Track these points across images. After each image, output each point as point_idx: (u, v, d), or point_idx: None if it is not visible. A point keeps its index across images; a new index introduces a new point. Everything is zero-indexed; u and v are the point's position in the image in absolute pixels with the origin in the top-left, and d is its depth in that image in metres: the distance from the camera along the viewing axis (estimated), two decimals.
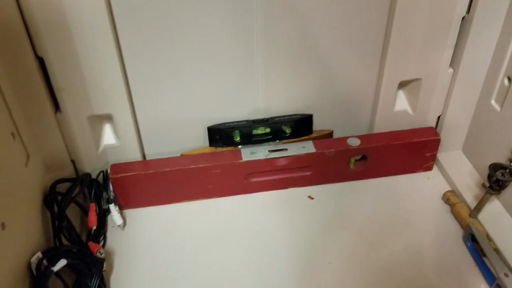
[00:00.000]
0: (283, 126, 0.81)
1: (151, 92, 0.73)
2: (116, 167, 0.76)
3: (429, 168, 0.83)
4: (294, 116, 0.81)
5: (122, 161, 0.77)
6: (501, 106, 0.70)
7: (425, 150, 0.81)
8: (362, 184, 0.82)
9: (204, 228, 0.75)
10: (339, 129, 0.84)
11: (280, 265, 0.69)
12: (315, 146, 0.79)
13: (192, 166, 0.76)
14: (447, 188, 0.79)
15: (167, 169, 0.75)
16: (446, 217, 0.75)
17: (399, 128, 0.82)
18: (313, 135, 0.83)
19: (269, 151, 0.78)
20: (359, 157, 0.82)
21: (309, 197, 0.80)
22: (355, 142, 0.79)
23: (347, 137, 0.80)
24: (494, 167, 0.67)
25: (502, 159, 0.69)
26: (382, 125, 0.83)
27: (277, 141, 0.82)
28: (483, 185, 0.69)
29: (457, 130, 0.80)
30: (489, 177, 0.68)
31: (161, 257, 0.71)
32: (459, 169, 0.80)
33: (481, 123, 0.76)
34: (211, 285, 0.67)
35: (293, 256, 0.70)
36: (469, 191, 0.75)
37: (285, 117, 0.81)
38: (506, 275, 0.61)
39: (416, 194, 0.80)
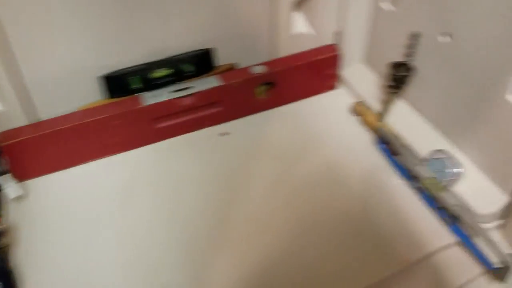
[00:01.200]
0: (184, 64, 0.77)
1: (33, 42, 0.65)
2: (3, 134, 0.68)
3: (334, 85, 0.84)
4: (194, 52, 0.77)
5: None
6: (395, 6, 0.71)
7: (327, 67, 0.81)
8: (274, 113, 0.81)
9: (113, 187, 0.69)
10: (244, 61, 0.81)
11: (203, 207, 0.66)
12: (220, 79, 0.75)
13: (87, 120, 0.69)
14: (354, 100, 0.79)
15: (61, 127, 0.68)
16: (357, 128, 0.76)
17: (302, 51, 0.81)
18: (218, 70, 0.80)
19: (171, 91, 0.74)
20: (267, 87, 0.80)
21: (223, 133, 0.77)
22: (258, 69, 0.77)
23: (249, 66, 0.78)
24: (394, 67, 0.69)
25: (400, 59, 0.70)
26: (285, 50, 0.81)
27: (181, 82, 0.78)
28: (385, 86, 0.70)
29: (356, 42, 0.81)
30: (389, 76, 0.69)
31: (70, 225, 0.64)
32: (363, 80, 0.81)
33: (378, 29, 0.77)
34: (128, 246, 0.61)
35: (216, 195, 0.68)
36: (376, 98, 0.77)
37: (184, 55, 0.77)
38: (417, 164, 0.63)
39: (327, 112, 0.80)
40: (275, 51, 0.82)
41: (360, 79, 0.81)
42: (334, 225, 0.62)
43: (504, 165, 0.56)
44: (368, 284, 0.56)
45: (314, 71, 0.80)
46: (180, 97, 0.74)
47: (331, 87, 0.84)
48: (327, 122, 0.78)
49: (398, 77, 0.68)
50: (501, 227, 0.59)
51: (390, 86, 0.70)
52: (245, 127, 0.79)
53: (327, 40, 0.82)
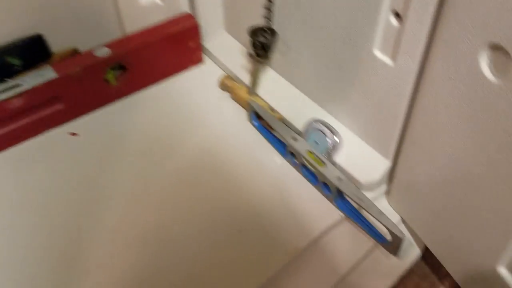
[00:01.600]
0: (7, 57, 0.62)
1: None
2: None
3: (198, 60, 0.74)
4: (20, 41, 0.62)
5: None
6: None
7: (187, 40, 0.71)
8: (133, 100, 0.70)
9: None
10: (88, 43, 0.68)
11: (57, 223, 0.54)
12: (56, 69, 0.62)
13: None
14: (221, 74, 0.71)
15: None
16: (229, 104, 0.68)
17: (154, 24, 0.70)
18: (55, 59, 0.66)
19: None
20: (119, 71, 0.68)
21: (72, 134, 0.65)
22: (103, 52, 0.64)
23: (93, 49, 0.65)
24: (254, 32, 0.61)
25: (260, 23, 0.63)
26: (134, 26, 0.69)
27: (8, 80, 0.63)
28: (250, 56, 0.62)
29: (212, 8, 0.72)
30: (253, 44, 0.61)
31: None
32: (228, 51, 0.72)
33: None
34: None
35: (72, 207, 0.56)
36: (244, 70, 0.69)
37: (7, 46, 0.62)
38: (294, 138, 0.57)
39: (194, 91, 0.70)
40: (122, 28, 0.70)
41: (225, 49, 0.73)
42: (215, 221, 0.54)
43: (380, 127, 0.52)
44: (258, 285, 0.49)
45: (171, 46, 0.69)
46: (6, 99, 0.59)
47: (196, 61, 0.74)
48: (196, 102, 0.69)
49: (260, 44, 0.60)
50: (386, 193, 0.55)
51: (254, 55, 0.62)
52: (99, 122, 0.66)
53: (181, 9, 0.71)
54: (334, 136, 0.56)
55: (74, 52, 0.68)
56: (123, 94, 0.69)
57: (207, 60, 0.75)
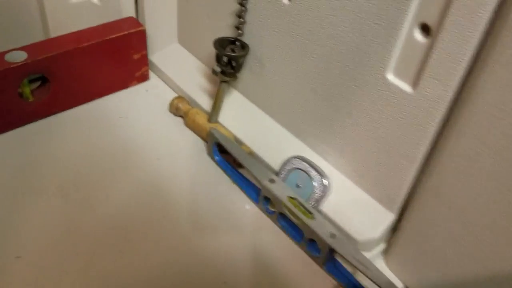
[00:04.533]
0: None
1: None
2: None
3: (144, 77, 0.60)
4: None
5: None
6: None
7: (130, 50, 0.56)
8: (55, 121, 0.54)
9: None
10: None
11: None
12: None
13: None
14: (172, 96, 0.57)
15: None
16: (182, 132, 0.54)
17: (89, 27, 0.55)
18: None
19: None
20: (37, 84, 0.52)
21: None
22: (18, 57, 0.49)
23: (5, 52, 0.49)
24: (220, 43, 0.48)
25: (228, 33, 0.50)
26: (61, 29, 0.54)
27: None
28: (214, 73, 0.50)
29: (164, 13, 0.58)
30: (219, 59, 0.49)
31: None
32: (182, 66, 0.59)
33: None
34: None
35: None
36: (203, 91, 0.56)
37: None
38: (270, 180, 0.44)
39: (137, 114, 0.56)
40: (46, 30, 0.55)
41: (178, 65, 0.59)
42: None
43: (386, 172, 0.41)
44: None
45: (109, 56, 0.55)
46: None
47: (141, 78, 0.60)
48: (139, 128, 0.54)
49: (227, 59, 0.48)
50: (384, 253, 0.44)
51: (219, 72, 0.49)
52: (7, 148, 0.50)
53: (123, 12, 0.57)
54: (323, 179, 0.44)
55: None
56: (43, 113, 0.53)
57: (154, 76, 0.61)
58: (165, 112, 0.56)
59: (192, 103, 0.56)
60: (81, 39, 0.53)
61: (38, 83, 0.53)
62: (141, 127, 0.54)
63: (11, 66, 0.48)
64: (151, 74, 0.61)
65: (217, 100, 0.51)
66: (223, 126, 0.52)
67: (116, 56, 0.56)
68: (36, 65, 0.49)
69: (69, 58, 0.52)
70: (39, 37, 0.56)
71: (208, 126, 0.51)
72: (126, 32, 0.54)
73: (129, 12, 0.58)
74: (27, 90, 0.51)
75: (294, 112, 0.48)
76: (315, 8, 0.41)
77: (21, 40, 0.52)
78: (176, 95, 0.58)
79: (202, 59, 0.58)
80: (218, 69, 0.49)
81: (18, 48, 0.50)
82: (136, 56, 0.57)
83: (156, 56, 0.60)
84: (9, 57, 0.48)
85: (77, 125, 0.54)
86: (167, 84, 0.59)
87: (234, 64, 0.49)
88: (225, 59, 0.48)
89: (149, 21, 0.57)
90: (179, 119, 0.56)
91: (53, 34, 0.55)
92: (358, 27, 0.38)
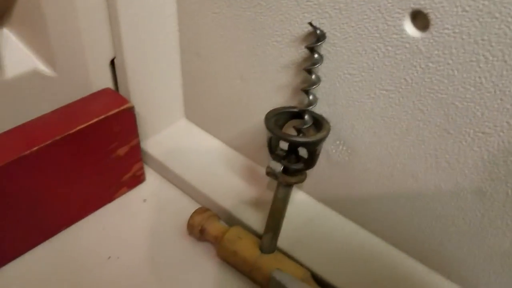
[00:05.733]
0: None
1: None
2: None
3: (138, 180, 0.38)
4: None
5: None
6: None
7: (112, 141, 0.35)
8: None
9: None
10: None
11: None
12: None
13: None
14: (188, 208, 0.35)
15: None
16: (210, 269, 0.32)
17: (36, 113, 0.34)
18: None
19: None
20: None
21: None
22: None
23: None
24: (277, 119, 0.27)
25: (283, 101, 0.30)
26: None
27: None
28: (270, 174, 0.28)
29: (160, 79, 0.38)
30: (274, 147, 0.28)
31: None
32: (196, 155, 0.38)
33: (209, 38, 0.35)
34: None
35: None
36: (236, 195, 0.34)
37: None
38: None
39: (132, 248, 0.34)
40: None
41: (189, 152, 0.38)
42: None
43: None
44: None
45: (79, 157, 0.33)
46: None
47: (131, 183, 0.38)
48: (137, 272, 0.32)
49: (289, 149, 0.27)
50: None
51: (280, 173, 0.28)
52: None
53: (95, 84, 0.36)
54: None
55: None
56: None
57: (152, 176, 0.39)
58: (179, 235, 0.34)
59: (224, 217, 0.34)
60: (33, 137, 0.31)
61: None
62: (144, 270, 0.32)
63: None
64: (148, 173, 0.39)
65: (275, 215, 0.30)
66: (288, 258, 0.30)
67: (91, 155, 0.34)
68: None
69: (18, 169, 0.30)
70: None
71: (264, 261, 0.30)
72: (104, 115, 0.33)
73: (104, 82, 0.37)
74: None
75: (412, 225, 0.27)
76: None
77: None
78: (193, 204, 0.36)
79: (229, 140, 0.37)
80: (277, 168, 0.27)
81: None
82: (122, 150, 0.36)
83: (152, 143, 0.39)
84: None
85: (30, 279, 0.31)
86: (176, 186, 0.38)
87: (302, 154, 0.28)
88: (285, 147, 0.27)
89: (137, 92, 0.36)
90: (205, 246, 0.34)
91: None
92: None
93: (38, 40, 0.33)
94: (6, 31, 0.34)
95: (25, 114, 0.33)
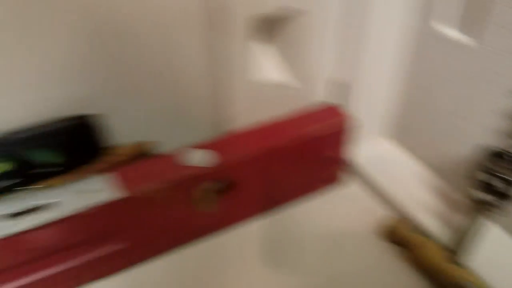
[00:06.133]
0: (36, 150, 0.36)
1: None
2: None
3: (339, 182, 0.46)
4: (60, 123, 0.36)
5: None
6: (474, 37, 0.36)
7: (330, 147, 0.43)
8: (231, 237, 0.42)
9: None
10: (164, 137, 0.42)
11: None
12: (120, 181, 0.35)
13: None
14: (382, 213, 0.42)
15: None
16: (403, 270, 0.39)
17: (271, 115, 0.43)
18: (114, 157, 0.39)
19: (12, 214, 0.33)
20: (216, 191, 0.41)
21: None
22: (199, 158, 0.38)
23: (183, 150, 0.38)
24: (495, 157, 0.33)
25: (488, 143, 0.35)
26: (240, 116, 0.43)
27: (32, 191, 0.37)
28: (475, 201, 0.34)
29: (379, 101, 0.45)
30: (484, 182, 0.33)
31: None
32: (401, 174, 0.44)
33: (431, 77, 0.41)
34: None
35: None
36: (435, 216, 0.40)
37: (37, 129, 0.36)
38: None
39: (331, 236, 0.42)
40: (224, 115, 0.44)
41: (393, 170, 0.45)
42: None
43: None
44: None
45: (304, 156, 0.42)
46: (26, 232, 0.32)
47: (332, 182, 0.46)
48: (340, 256, 0.40)
49: (500, 183, 0.32)
50: None
51: (483, 203, 0.33)
52: (175, 270, 0.38)
53: (319, 96, 0.45)
54: None
55: (139, 151, 0.41)
56: (218, 226, 0.42)
57: (354, 182, 0.47)
58: (371, 233, 0.41)
59: (418, 229, 0.40)
60: (274, 135, 0.40)
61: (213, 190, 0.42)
62: (341, 258, 0.39)
63: (191, 171, 0.37)
64: (351, 179, 0.47)
65: (469, 236, 0.35)
66: (476, 275, 0.35)
67: (311, 156, 0.43)
68: (221, 171, 0.38)
69: (259, 162, 0.40)
70: (208, 126, 0.44)
71: (450, 270, 0.35)
72: (330, 127, 0.41)
73: (328, 97, 0.45)
74: (204, 198, 0.40)
75: None
76: None
77: (196, 127, 0.42)
78: (392, 213, 0.42)
79: (430, 162, 0.43)
80: (484, 197, 0.33)
81: (197, 146, 0.39)
82: (335, 155, 0.44)
83: (360, 154, 0.46)
84: (191, 159, 0.37)
85: (253, 241, 0.41)
86: (378, 194, 0.44)
87: (505, 190, 0.33)
88: (495, 183, 0.33)
89: (356, 108, 0.44)
90: (394, 249, 0.40)
91: (231, 124, 0.43)
92: None
93: (293, 57, 0.42)
94: (270, 46, 0.43)
95: (267, 115, 0.42)
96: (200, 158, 0.37)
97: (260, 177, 0.41)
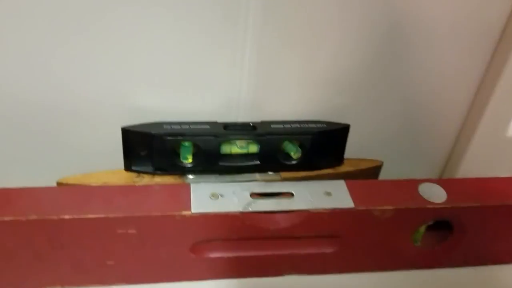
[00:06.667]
0: (285, 143, 0.39)
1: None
2: None
3: None
4: (312, 126, 0.39)
5: None
6: None
7: None
8: (432, 276, 0.41)
9: None
10: (393, 161, 0.42)
11: None
12: (353, 195, 0.36)
13: (70, 217, 0.32)
14: None
15: (10, 219, 0.31)
16: None
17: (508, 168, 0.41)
18: (344, 168, 0.41)
19: (253, 194, 0.36)
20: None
21: None
22: (437, 194, 0.37)
23: (418, 181, 0.38)
24: None
25: None
26: (477, 162, 0.42)
27: (270, 173, 0.40)
28: None
29: None
30: None
31: None
32: None
33: None
34: None
35: None
36: None
37: (292, 126, 0.39)
38: None
39: None
40: (459, 159, 0.43)
41: None
42: None
43: None
44: None
45: None
46: (264, 212, 0.35)
47: None
48: None
49: None
50: None
51: None
52: None
53: None
54: None
55: (373, 169, 0.42)
56: (421, 263, 0.41)
57: None
58: None
59: None
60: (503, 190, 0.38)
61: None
62: None
63: (427, 206, 0.36)
64: None
65: None
66: None
67: None
68: (451, 211, 0.37)
69: (487, 212, 0.38)
70: (441, 165, 0.44)
71: None
72: None
73: None
74: (420, 233, 0.39)
75: None
76: None
77: (423, 164, 0.42)
78: None
79: None
80: None
81: (431, 180, 0.39)
82: None
83: None
84: (426, 192, 0.37)
85: None
86: None
87: None
88: None
89: None
90: None
91: (463, 169, 0.42)
92: None
93: None
94: None
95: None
96: (435, 193, 0.37)
97: (482, 228, 0.39)
